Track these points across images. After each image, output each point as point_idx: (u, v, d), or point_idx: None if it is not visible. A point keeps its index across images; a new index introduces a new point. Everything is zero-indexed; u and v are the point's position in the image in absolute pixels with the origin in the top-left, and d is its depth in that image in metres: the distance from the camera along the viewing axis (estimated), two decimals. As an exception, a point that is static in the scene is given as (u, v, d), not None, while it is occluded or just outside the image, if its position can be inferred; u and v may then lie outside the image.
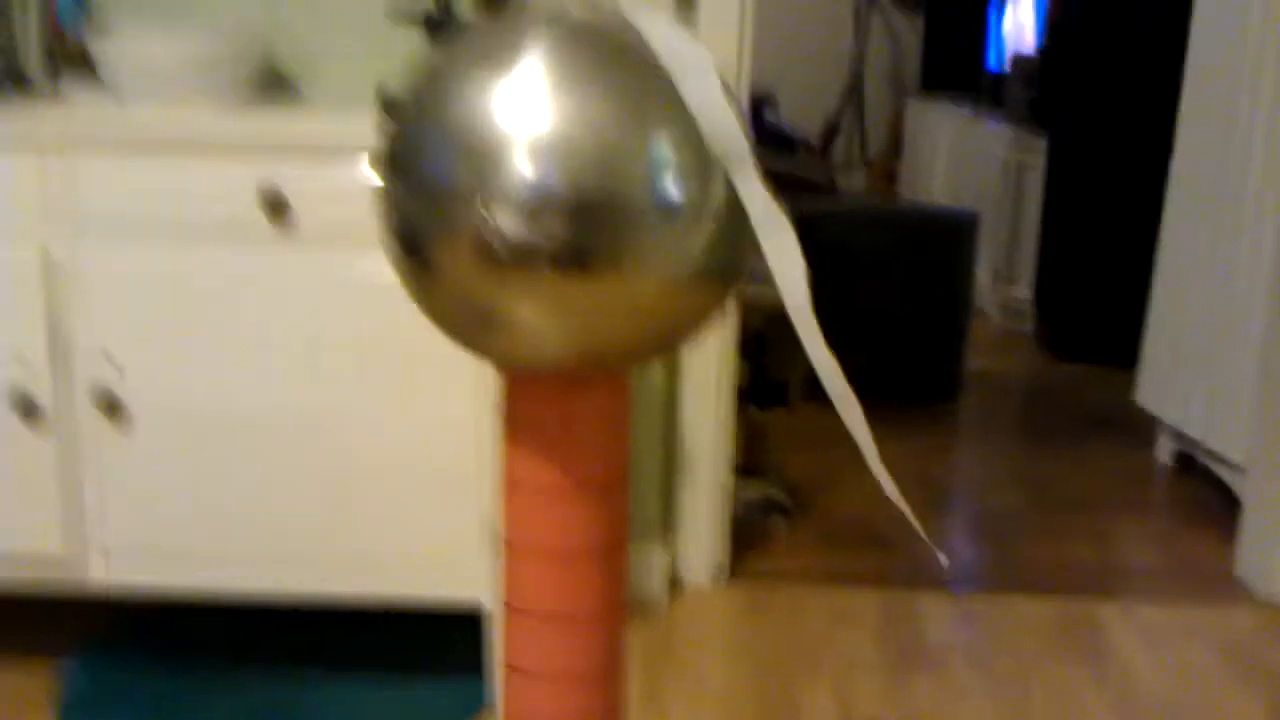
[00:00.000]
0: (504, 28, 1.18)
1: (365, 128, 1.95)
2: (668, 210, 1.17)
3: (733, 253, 1.25)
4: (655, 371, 2.47)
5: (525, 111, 1.13)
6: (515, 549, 1.24)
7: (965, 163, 5.62)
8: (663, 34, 1.21)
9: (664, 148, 1.17)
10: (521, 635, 1.25)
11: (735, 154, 1.20)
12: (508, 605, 1.27)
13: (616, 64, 1.17)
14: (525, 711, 1.24)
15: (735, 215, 1.23)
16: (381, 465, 2.06)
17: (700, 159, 1.19)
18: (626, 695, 2.14)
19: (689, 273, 1.19)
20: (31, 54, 2.36)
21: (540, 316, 1.17)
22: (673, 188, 1.17)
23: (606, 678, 1.26)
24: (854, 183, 7.53)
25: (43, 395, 2.04)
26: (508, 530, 1.26)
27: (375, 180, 1.24)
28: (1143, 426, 3.57)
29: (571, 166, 1.14)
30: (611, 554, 1.25)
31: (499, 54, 1.15)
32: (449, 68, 1.17)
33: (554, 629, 1.24)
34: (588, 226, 1.14)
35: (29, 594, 2.37)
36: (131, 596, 2.30)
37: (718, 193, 1.19)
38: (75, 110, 2.08)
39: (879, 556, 2.81)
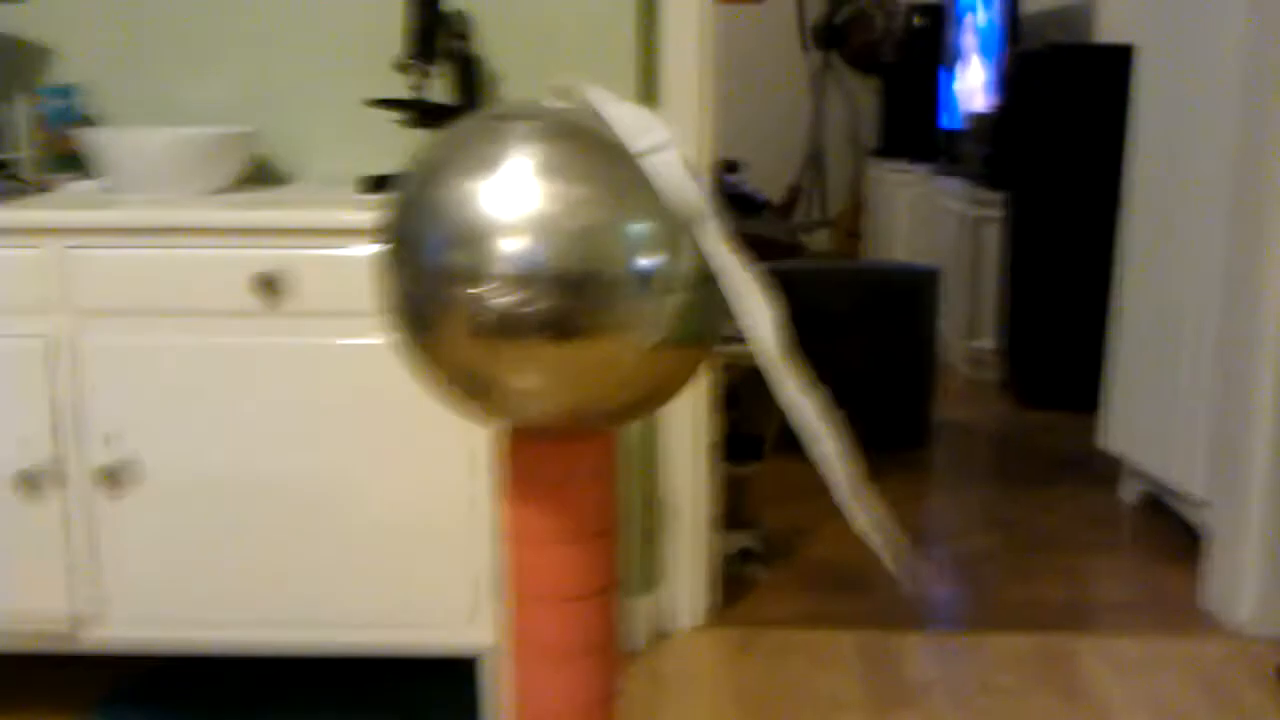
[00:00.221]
0: (489, 125, 1.30)
1: (347, 213, 2.06)
2: (643, 280, 1.28)
3: (706, 318, 1.36)
4: (633, 428, 2.57)
5: (511, 199, 1.24)
6: (518, 593, 1.34)
7: (925, 219, 5.78)
8: (623, 115, 1.33)
9: (637, 225, 1.28)
10: (526, 671, 1.34)
11: (696, 218, 1.31)
12: (514, 644, 1.37)
13: (591, 153, 1.28)
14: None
15: (707, 284, 1.34)
16: (377, 524, 2.15)
17: (671, 234, 1.30)
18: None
19: (667, 337, 1.30)
20: (24, 151, 2.46)
21: (532, 381, 1.27)
22: (646, 260, 1.28)
23: (606, 707, 1.35)
24: (818, 243, 7.69)
25: (48, 472, 2.13)
26: (510, 576, 1.36)
27: (377, 262, 1.35)
28: (1108, 468, 3.68)
29: (554, 244, 1.25)
30: (606, 594, 1.35)
31: (485, 149, 1.27)
32: (442, 162, 1.29)
33: (556, 665, 1.33)
34: (571, 297, 1.25)
35: (42, 655, 2.44)
36: (139, 655, 2.38)
37: (689, 265, 1.30)
38: (71, 202, 2.18)
39: (858, 600, 2.90)
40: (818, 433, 1.36)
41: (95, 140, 2.28)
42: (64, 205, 2.14)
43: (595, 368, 1.27)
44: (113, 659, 2.48)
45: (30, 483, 2.13)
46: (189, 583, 2.17)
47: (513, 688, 1.38)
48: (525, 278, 1.25)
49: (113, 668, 2.49)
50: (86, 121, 2.49)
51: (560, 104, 1.39)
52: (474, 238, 1.26)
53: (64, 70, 2.49)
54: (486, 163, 1.29)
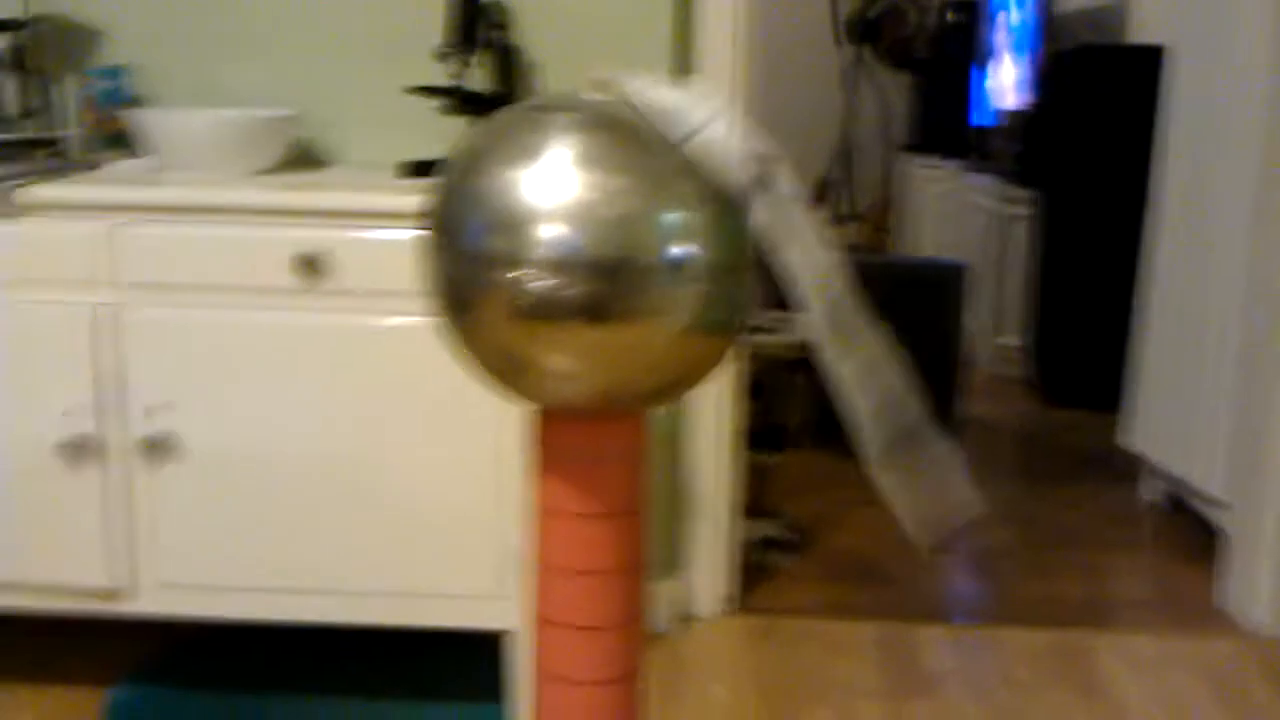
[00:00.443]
0: (530, 116, 1.34)
1: (386, 197, 2.12)
2: (676, 267, 1.32)
3: (734, 306, 1.40)
4: (659, 414, 2.62)
5: (551, 186, 1.28)
6: (547, 568, 1.39)
7: (954, 216, 5.80)
8: (670, 97, 1.37)
9: (671, 214, 1.32)
10: (553, 645, 1.39)
11: (764, 178, 1.35)
12: (541, 619, 1.41)
13: (628, 144, 1.33)
14: (557, 714, 1.38)
15: (735, 273, 1.38)
16: (407, 500, 2.20)
17: (704, 222, 1.34)
18: (647, 699, 2.28)
19: (696, 323, 1.34)
20: (74, 131, 2.52)
21: (567, 362, 1.32)
22: (679, 248, 1.33)
23: (631, 681, 1.40)
24: (847, 237, 7.71)
25: (92, 440, 2.19)
26: (540, 551, 1.41)
27: (420, 246, 1.39)
28: (1130, 467, 3.71)
29: (591, 231, 1.29)
30: (633, 572, 1.39)
31: (527, 139, 1.31)
32: (486, 149, 1.33)
33: (583, 639, 1.38)
34: (606, 283, 1.29)
35: (77, 623, 2.51)
36: (173, 625, 2.44)
37: (719, 253, 1.35)
38: (119, 179, 2.24)
39: (879, 590, 2.94)
40: (865, 383, 1.39)
41: (142, 120, 2.33)
42: (112, 183, 2.20)
43: (627, 351, 1.32)
44: (143, 630, 2.54)
45: (73, 451, 2.19)
46: (222, 553, 2.23)
47: (535, 661, 1.43)
48: (562, 263, 1.29)
49: (144, 638, 2.55)
50: (134, 102, 2.55)
51: (598, 97, 1.43)
52: (514, 224, 1.31)
53: (113, 51, 2.55)
54: (527, 152, 1.33)
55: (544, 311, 1.29)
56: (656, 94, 1.39)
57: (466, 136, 1.42)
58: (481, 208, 1.32)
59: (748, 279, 1.43)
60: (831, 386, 1.42)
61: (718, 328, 1.39)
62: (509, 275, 1.30)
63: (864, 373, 1.39)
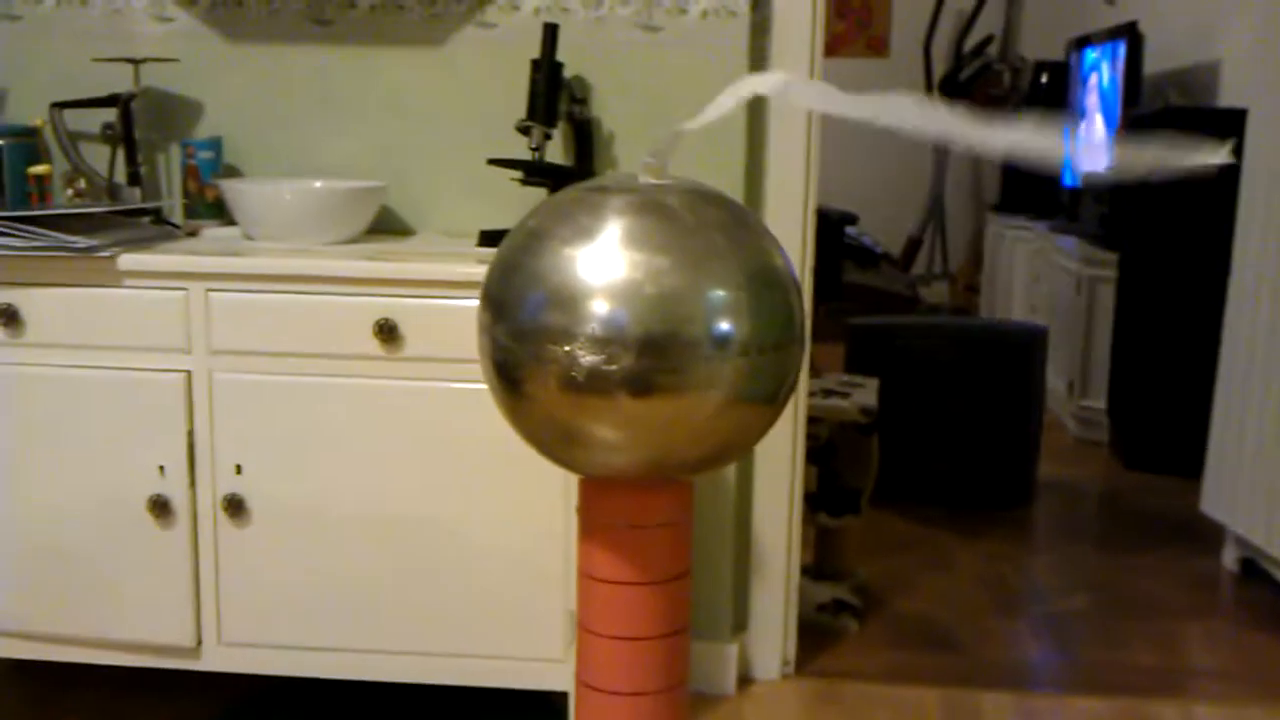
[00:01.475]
0: (585, 196, 1.43)
1: (463, 266, 2.22)
2: (720, 343, 1.39)
3: (778, 378, 1.47)
4: (728, 476, 2.68)
5: (602, 266, 1.36)
6: (590, 633, 1.46)
7: (1042, 276, 5.79)
8: (727, 100, 1.45)
9: (714, 292, 1.40)
10: (595, 710, 1.46)
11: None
12: (582, 683, 1.48)
13: (677, 225, 1.40)
14: (600, 773, 1.44)
15: (779, 347, 1.45)
16: (478, 559, 2.29)
17: (746, 300, 1.41)
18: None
19: (738, 395, 1.41)
20: (175, 200, 2.67)
21: (613, 433, 1.39)
22: (724, 325, 1.40)
23: (671, 746, 1.45)
24: (936, 296, 7.71)
25: (178, 499, 2.31)
26: (583, 616, 1.47)
27: (478, 319, 1.48)
28: (1210, 533, 3.67)
29: (639, 309, 1.37)
30: (675, 639, 1.45)
31: (582, 220, 1.40)
32: (542, 231, 1.42)
33: (624, 704, 1.44)
34: (652, 357, 1.37)
35: (148, 678, 2.61)
36: (244, 680, 2.54)
37: (761, 328, 1.42)
38: (214, 248, 2.37)
39: (945, 656, 2.96)
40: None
41: (235, 190, 2.47)
42: (204, 252, 2.33)
43: (671, 422, 1.39)
44: (214, 685, 2.64)
45: (162, 509, 2.31)
46: (301, 609, 2.33)
47: None
48: (610, 338, 1.37)
49: (215, 693, 2.64)
50: (230, 172, 2.69)
51: (653, 179, 1.51)
52: (567, 300, 1.39)
53: (212, 123, 2.70)
54: (581, 233, 1.42)
55: (593, 385, 1.37)
56: (719, 104, 1.47)
57: (527, 216, 1.51)
58: (536, 286, 1.41)
59: (793, 352, 1.50)
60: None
61: (760, 400, 1.46)
62: (561, 350, 1.38)
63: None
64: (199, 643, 2.36)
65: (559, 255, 1.40)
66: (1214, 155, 1.35)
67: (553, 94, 2.49)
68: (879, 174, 7.64)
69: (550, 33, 2.46)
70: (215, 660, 2.37)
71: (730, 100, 1.46)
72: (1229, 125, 4.12)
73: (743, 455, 1.50)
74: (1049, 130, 1.37)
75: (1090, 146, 1.42)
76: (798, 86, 1.46)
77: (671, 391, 1.37)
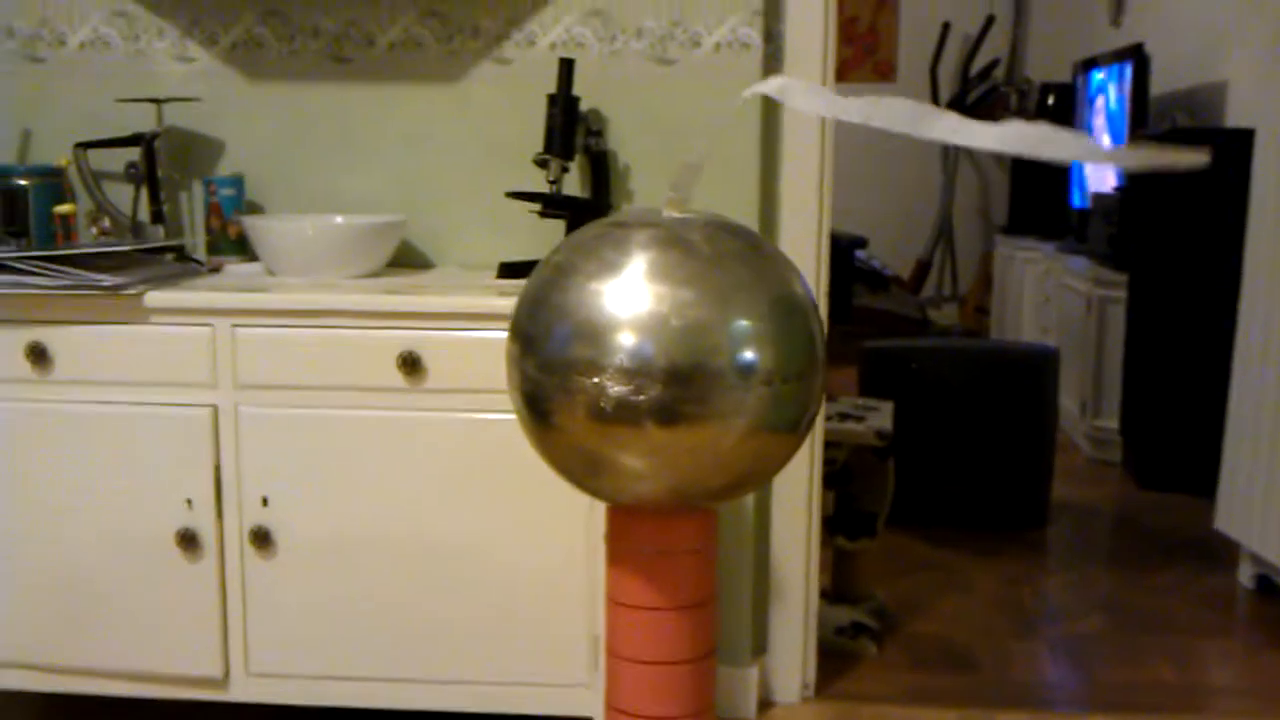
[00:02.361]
0: (609, 231, 1.47)
1: (484, 298, 2.26)
2: (744, 373, 1.43)
3: (800, 407, 1.50)
4: (747, 501, 2.70)
5: (628, 299, 1.40)
6: (617, 657, 1.49)
7: (1052, 298, 5.82)
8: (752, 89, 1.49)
9: (740, 323, 1.43)
10: (626, 732, 1.48)
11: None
12: (611, 707, 1.51)
13: (701, 258, 1.44)
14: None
15: (802, 377, 1.48)
16: (503, 588, 2.32)
17: (769, 330, 1.45)
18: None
19: (762, 424, 1.44)
20: (198, 237, 2.71)
21: (640, 462, 1.43)
22: (748, 354, 1.43)
23: (700, 768, 1.48)
24: (946, 318, 7.74)
25: (205, 532, 2.34)
26: (610, 641, 1.50)
27: (506, 352, 1.52)
28: (1225, 552, 3.69)
29: (665, 341, 1.41)
30: (701, 663, 1.48)
31: (607, 254, 1.44)
32: (568, 265, 1.46)
33: (653, 726, 1.47)
34: (678, 388, 1.40)
35: (184, 710, 2.64)
36: (272, 711, 2.57)
37: (784, 359, 1.45)
38: (238, 284, 2.41)
39: (964, 677, 2.98)
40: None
41: (259, 227, 2.51)
42: (230, 288, 2.37)
43: (697, 451, 1.42)
44: (244, 715, 2.67)
45: (190, 541, 2.34)
46: (327, 639, 2.36)
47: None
48: (636, 370, 1.41)
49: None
50: (252, 208, 2.74)
51: (675, 213, 1.55)
52: (594, 333, 1.43)
53: (234, 161, 2.74)
54: (607, 267, 1.46)
55: (620, 415, 1.40)
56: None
57: (553, 251, 1.55)
58: (564, 320, 1.44)
59: (815, 381, 1.53)
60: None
61: (785, 428, 1.49)
62: (589, 381, 1.42)
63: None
64: (227, 674, 2.39)
65: (585, 289, 1.43)
66: (1193, 159, 1.40)
67: (569, 127, 2.53)
68: (888, 198, 7.69)
69: (566, 67, 2.50)
70: (243, 691, 2.40)
71: (735, 101, 1.51)
72: (1237, 146, 4.17)
73: (765, 483, 1.53)
74: (1038, 126, 1.41)
75: (1079, 140, 1.45)
76: (795, 88, 1.51)
77: (697, 421, 1.41)
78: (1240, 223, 3.64)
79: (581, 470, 1.46)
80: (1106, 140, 5.65)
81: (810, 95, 1.56)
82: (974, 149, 1.59)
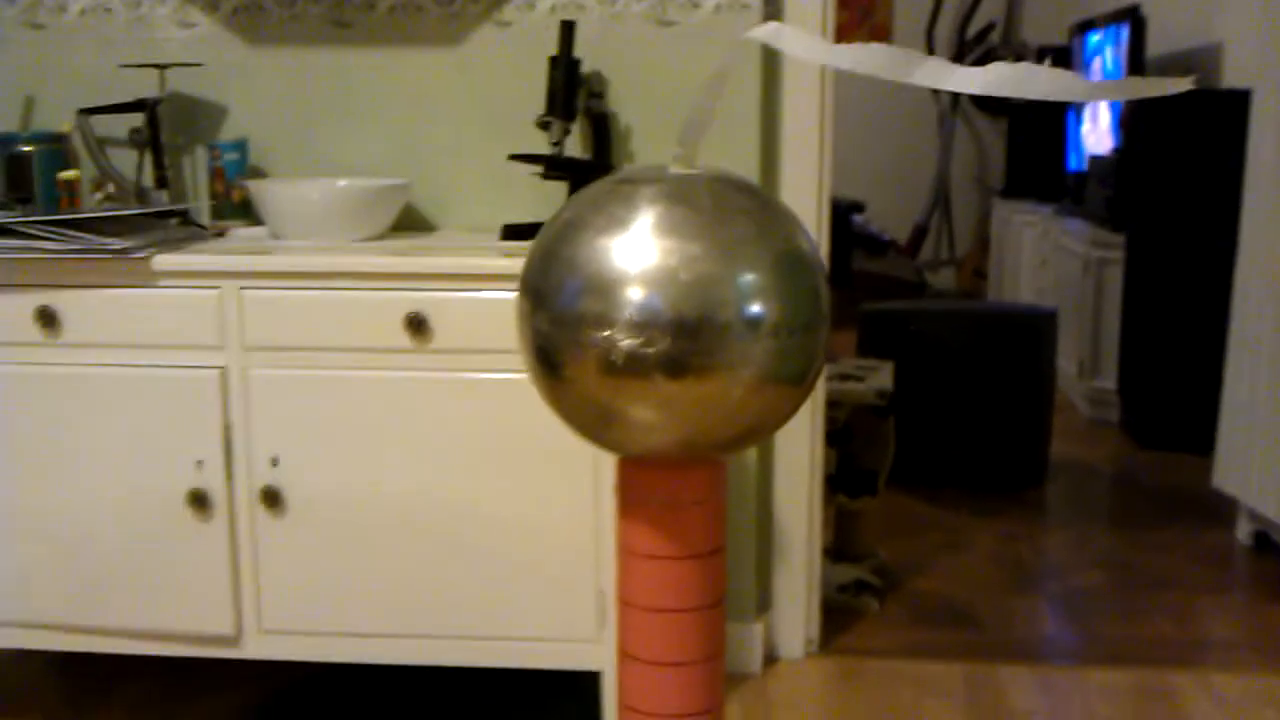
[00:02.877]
0: (619, 189, 1.48)
1: (490, 259, 2.28)
2: (751, 325, 1.45)
3: (807, 359, 1.52)
4: (749, 460, 2.73)
5: (636, 253, 1.42)
6: (630, 606, 1.52)
7: (1049, 260, 5.84)
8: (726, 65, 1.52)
9: (744, 276, 1.45)
10: (636, 680, 1.51)
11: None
12: (624, 654, 1.54)
13: (707, 212, 1.46)
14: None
15: (808, 328, 1.50)
16: (509, 544, 2.35)
17: (775, 283, 1.47)
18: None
19: (770, 376, 1.46)
20: (202, 201, 2.73)
21: (650, 413, 1.45)
22: (755, 307, 1.45)
23: (709, 715, 1.51)
24: (943, 281, 7.76)
25: (215, 492, 2.37)
26: (623, 590, 1.53)
27: (516, 307, 1.54)
28: (1223, 509, 3.73)
29: (673, 293, 1.42)
30: (711, 610, 1.51)
31: (614, 209, 1.45)
32: (578, 221, 1.47)
33: (664, 674, 1.50)
34: (687, 340, 1.42)
35: (197, 668, 2.68)
36: (283, 668, 2.60)
37: (791, 311, 1.47)
38: (243, 248, 2.43)
39: (965, 632, 3.02)
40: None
41: (262, 191, 2.52)
42: (237, 251, 2.39)
43: (705, 403, 1.45)
44: (253, 673, 2.71)
45: (201, 501, 2.37)
46: (337, 597, 2.39)
47: (619, 696, 1.55)
48: (646, 323, 1.43)
49: (254, 681, 2.72)
50: (255, 173, 2.75)
51: (681, 169, 1.57)
52: (604, 288, 1.45)
53: (237, 125, 2.76)
54: (616, 222, 1.47)
55: (630, 367, 1.42)
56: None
57: (561, 208, 1.57)
58: (573, 274, 1.46)
59: (820, 333, 1.55)
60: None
61: (791, 379, 1.51)
62: (599, 335, 1.44)
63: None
64: (239, 631, 2.42)
65: (595, 245, 1.45)
66: (1178, 85, 1.41)
67: (571, 90, 2.54)
68: (885, 162, 7.69)
69: (567, 30, 2.51)
70: (255, 648, 2.43)
71: (728, 56, 1.53)
72: (1233, 107, 4.18)
73: (771, 434, 1.56)
74: (1020, 66, 1.43)
75: (1062, 76, 1.45)
76: (788, 33, 1.53)
77: (706, 372, 1.43)
78: (1237, 183, 3.66)
79: (593, 423, 1.49)
80: (1104, 110, 5.66)
81: (801, 41, 1.58)
82: (959, 93, 1.61)
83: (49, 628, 2.47)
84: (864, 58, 1.46)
